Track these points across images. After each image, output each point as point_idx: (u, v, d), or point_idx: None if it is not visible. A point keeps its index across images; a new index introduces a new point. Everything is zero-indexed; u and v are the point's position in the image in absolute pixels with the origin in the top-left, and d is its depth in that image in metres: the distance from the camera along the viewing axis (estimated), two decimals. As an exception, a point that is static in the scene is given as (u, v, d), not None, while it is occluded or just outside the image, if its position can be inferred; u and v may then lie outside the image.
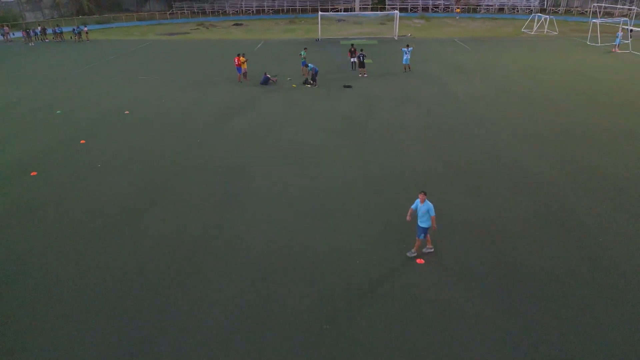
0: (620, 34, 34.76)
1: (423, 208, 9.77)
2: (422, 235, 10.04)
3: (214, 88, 26.15)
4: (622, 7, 54.99)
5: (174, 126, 19.68)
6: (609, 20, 40.86)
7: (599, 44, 36.96)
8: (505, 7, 62.37)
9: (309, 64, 26.84)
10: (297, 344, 8.03)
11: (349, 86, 25.78)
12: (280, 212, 12.41)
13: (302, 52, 28.54)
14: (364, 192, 13.48)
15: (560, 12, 60.22)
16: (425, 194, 9.86)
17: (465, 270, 9.91)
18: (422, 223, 9.90)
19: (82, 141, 17.92)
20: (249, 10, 67.17)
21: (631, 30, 35.41)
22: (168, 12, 65.85)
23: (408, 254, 10.39)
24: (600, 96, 22.99)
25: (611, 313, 8.55)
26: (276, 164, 15.61)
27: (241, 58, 27.03)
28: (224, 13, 66.44)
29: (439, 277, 9.74)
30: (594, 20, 38.59)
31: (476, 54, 35.17)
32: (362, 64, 28.21)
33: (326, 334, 8.26)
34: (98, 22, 58.27)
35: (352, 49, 30.15)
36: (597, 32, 37.93)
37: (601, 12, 54.07)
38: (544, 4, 62.10)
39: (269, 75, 26.71)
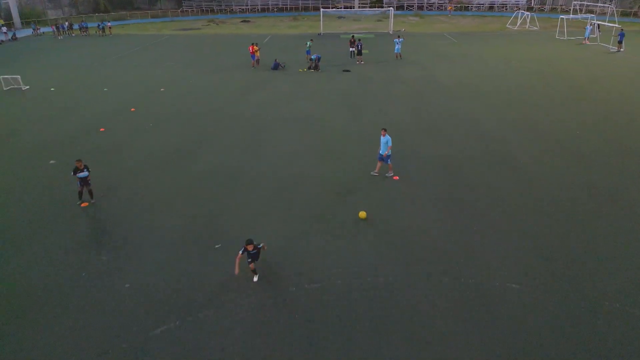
0: (589, 27, 39.05)
1: (383, 140, 14.02)
2: (382, 158, 14.25)
3: (232, 72, 30.48)
4: (602, 5, 59.23)
5: (203, 99, 24.02)
6: (577, 16, 45.09)
7: (565, 38, 41.31)
8: (495, 6, 66.67)
9: (312, 55, 31.17)
10: (311, 216, 12.35)
11: (347, 70, 30.10)
12: (294, 153, 16.74)
13: (308, 42, 32.86)
14: (357, 140, 17.78)
15: (546, 10, 64.50)
16: (385, 130, 14.11)
17: (426, 184, 14.20)
18: (382, 151, 14.16)
19: (132, 109, 22.28)
20: (255, 8, 71.49)
21: (598, 26, 39.62)
22: (179, 10, 70.18)
23: (386, 175, 14.70)
24: (553, 75, 27.37)
25: (521, 205, 12.91)
26: (289, 124, 19.92)
27: (255, 47, 31.37)
28: (231, 11, 70.76)
29: (408, 188, 14.02)
30: (561, 17, 42.89)
31: (461, 46, 39.45)
32: (359, 52, 32.52)
33: (328, 209, 12.59)
34: (115, 19, 62.51)
35: (352, 40, 34.46)
36: (564, 27, 42.31)
37: (584, 10, 58.33)
38: (531, 2, 66.37)
39: (278, 62, 31.04)
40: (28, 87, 26.62)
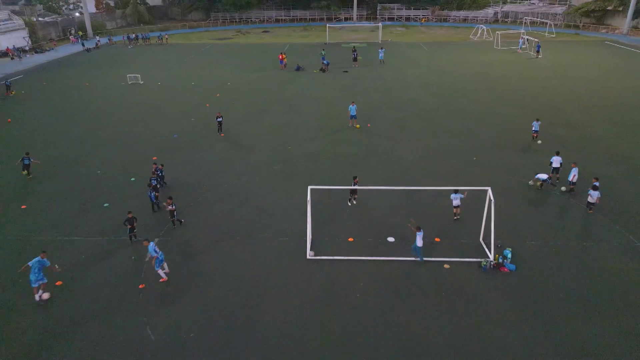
0: (521, 40, 53.95)
1: (352, 107, 28.85)
2: (352, 117, 29.11)
3: (268, 72, 45.43)
4: (552, 21, 73.98)
5: (257, 87, 39.07)
6: (511, 30, 59.85)
7: (499, 48, 56.13)
8: (468, 18, 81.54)
9: (324, 60, 46.10)
10: (325, 139, 27.34)
11: (346, 71, 45.02)
12: (314, 115, 31.70)
13: (322, 52, 47.84)
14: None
15: (508, 22, 79.29)
16: (354, 102, 28.97)
17: (383, 129, 29.10)
18: (352, 112, 28.99)
19: (217, 94, 37.30)
20: (270, 19, 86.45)
21: (527, 39, 54.46)
22: (208, 20, 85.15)
23: (349, 125, 29.59)
24: (481, 73, 42.24)
25: (429, 136, 27.92)
26: (310, 102, 34.88)
27: (283, 55, 46.38)
28: (252, 22, 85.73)
29: (373, 130, 28.92)
30: (497, 32, 57.90)
31: (429, 53, 54.31)
32: (355, 59, 47.42)
33: (334, 137, 27.59)
34: (160, 30, 77.47)
35: (354, 49, 49.30)
36: (498, 39, 57.22)
37: (537, 23, 73.12)
38: (497, 16, 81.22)
39: (299, 65, 45.99)
40: (143, 82, 41.61)
